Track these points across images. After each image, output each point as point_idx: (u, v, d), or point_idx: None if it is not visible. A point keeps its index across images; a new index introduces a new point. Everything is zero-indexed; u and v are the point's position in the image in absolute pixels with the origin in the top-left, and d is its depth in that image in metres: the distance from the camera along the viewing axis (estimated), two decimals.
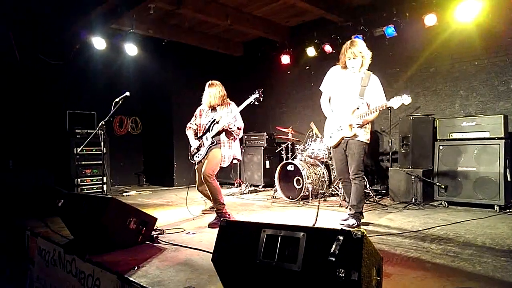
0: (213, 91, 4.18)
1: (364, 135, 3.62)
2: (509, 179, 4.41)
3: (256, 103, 3.96)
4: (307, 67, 7.34)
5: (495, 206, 4.36)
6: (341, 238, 1.59)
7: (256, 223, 1.84)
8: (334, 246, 1.58)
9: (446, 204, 4.77)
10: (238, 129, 4.11)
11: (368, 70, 3.65)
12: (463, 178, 4.63)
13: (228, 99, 4.28)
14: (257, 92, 3.94)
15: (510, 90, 5.11)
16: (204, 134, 4.19)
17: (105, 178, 6.03)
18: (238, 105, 4.14)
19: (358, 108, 3.53)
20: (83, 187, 6.12)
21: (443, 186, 4.77)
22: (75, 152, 5.92)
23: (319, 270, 1.57)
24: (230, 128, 4.01)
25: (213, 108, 4.27)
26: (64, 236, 3.41)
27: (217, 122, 4.09)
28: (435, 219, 3.99)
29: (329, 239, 1.61)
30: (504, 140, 4.40)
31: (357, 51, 3.46)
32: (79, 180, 6.08)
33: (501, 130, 4.45)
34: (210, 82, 4.28)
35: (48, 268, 3.25)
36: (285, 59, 7.25)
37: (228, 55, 8.35)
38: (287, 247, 1.70)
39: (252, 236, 1.78)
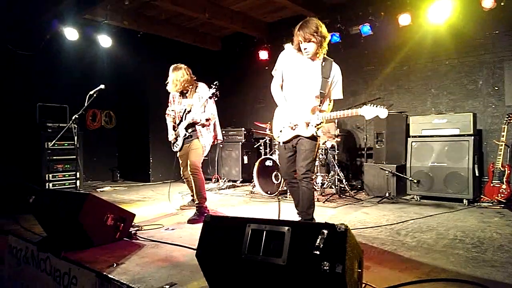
0: (174, 77, 3.94)
1: (319, 131, 3.14)
2: (477, 174, 4.63)
3: (214, 98, 3.83)
4: None
5: (464, 200, 4.55)
6: (325, 232, 1.62)
7: (241, 218, 1.84)
8: (318, 240, 1.61)
9: (418, 198, 4.94)
10: (206, 120, 3.94)
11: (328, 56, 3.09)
12: (434, 173, 4.81)
13: (196, 82, 4.04)
14: (213, 87, 3.75)
15: (478, 89, 5.34)
16: (180, 123, 4.09)
17: (78, 174, 5.85)
18: None
19: (320, 106, 3.02)
20: (55, 182, 5.89)
21: (415, 181, 4.93)
22: (46, 146, 5.68)
23: (304, 263, 1.59)
24: (197, 123, 3.92)
25: (182, 93, 4.09)
26: (37, 233, 3.30)
27: (189, 112, 3.96)
28: (408, 213, 4.13)
29: (313, 233, 1.64)
30: (473, 137, 4.60)
31: (308, 34, 2.83)
32: (50, 175, 5.85)
33: (470, 128, 4.64)
34: (173, 66, 4.00)
35: (20, 267, 3.13)
36: (263, 54, 7.26)
37: (206, 50, 8.25)
38: (272, 241, 1.71)
39: (236, 231, 1.78)
